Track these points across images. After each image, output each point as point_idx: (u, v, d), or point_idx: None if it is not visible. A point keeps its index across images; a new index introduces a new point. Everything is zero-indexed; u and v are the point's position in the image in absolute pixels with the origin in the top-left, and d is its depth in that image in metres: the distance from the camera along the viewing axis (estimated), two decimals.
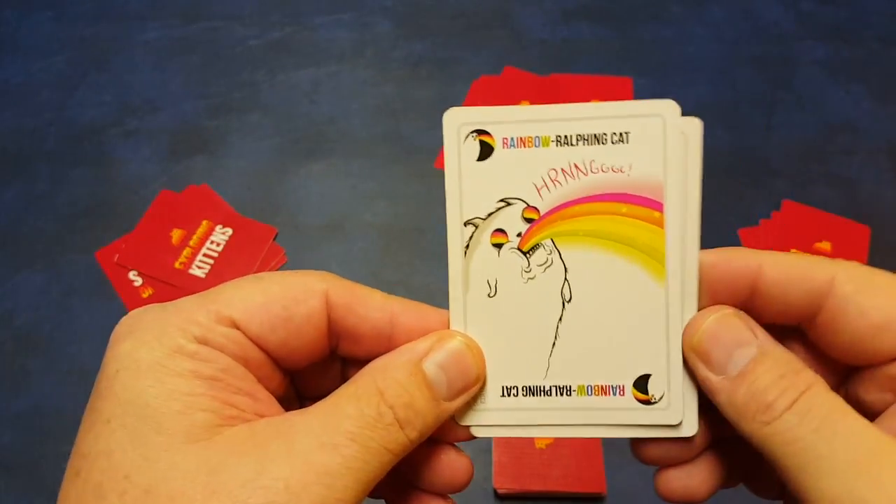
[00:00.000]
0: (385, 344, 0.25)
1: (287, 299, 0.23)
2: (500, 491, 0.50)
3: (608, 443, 0.50)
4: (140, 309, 0.23)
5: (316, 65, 0.71)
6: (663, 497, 0.26)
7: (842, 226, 0.61)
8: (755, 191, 0.63)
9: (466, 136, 0.25)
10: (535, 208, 0.25)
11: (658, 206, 0.24)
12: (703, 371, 0.24)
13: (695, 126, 0.24)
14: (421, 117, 0.67)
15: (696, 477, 0.26)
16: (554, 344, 0.25)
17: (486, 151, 0.25)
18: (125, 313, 0.23)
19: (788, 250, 0.59)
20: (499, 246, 0.25)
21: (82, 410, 0.22)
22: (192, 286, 0.58)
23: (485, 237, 0.25)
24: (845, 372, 0.25)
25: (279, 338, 0.23)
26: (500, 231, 0.25)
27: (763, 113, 0.67)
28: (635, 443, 0.26)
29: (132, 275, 0.59)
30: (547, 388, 0.25)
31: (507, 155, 0.25)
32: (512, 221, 0.25)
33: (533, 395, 0.25)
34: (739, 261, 0.24)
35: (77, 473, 0.20)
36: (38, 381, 0.55)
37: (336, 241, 0.61)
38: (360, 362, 0.25)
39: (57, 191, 0.64)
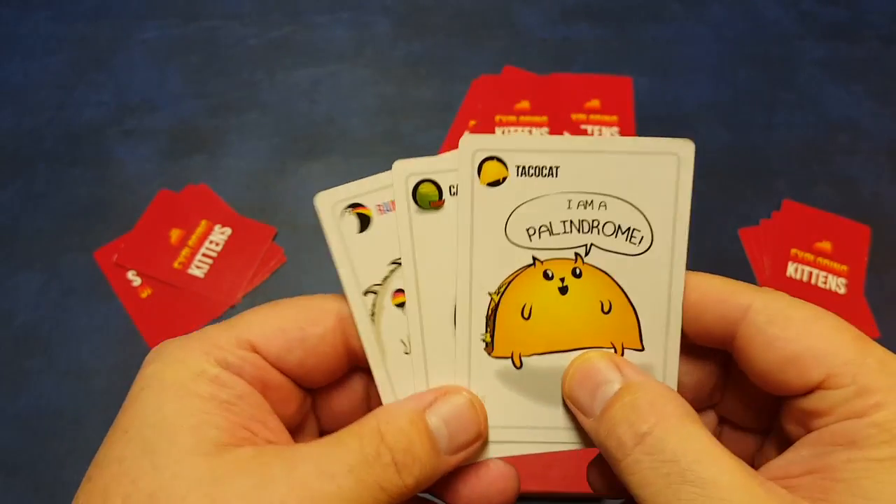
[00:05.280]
0: None
1: (302, 321, 0.24)
2: None
3: None
4: (170, 339, 0.24)
5: (315, 64, 0.71)
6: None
7: (842, 226, 0.61)
8: (755, 191, 0.63)
9: (342, 212, 0.25)
10: None
11: None
12: (579, 416, 0.24)
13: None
14: (420, 117, 0.67)
15: None
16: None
17: (364, 223, 0.25)
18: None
19: (789, 250, 0.59)
20: (401, 305, 0.26)
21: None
22: (191, 286, 0.58)
23: (387, 301, 0.26)
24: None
25: (296, 357, 0.24)
26: (400, 291, 0.26)
27: (763, 112, 0.67)
28: None
29: (131, 274, 0.59)
30: None
31: (383, 220, 0.25)
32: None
33: None
34: None
35: (89, 479, 0.21)
36: (37, 381, 0.55)
37: None
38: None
39: (55, 190, 0.64)
